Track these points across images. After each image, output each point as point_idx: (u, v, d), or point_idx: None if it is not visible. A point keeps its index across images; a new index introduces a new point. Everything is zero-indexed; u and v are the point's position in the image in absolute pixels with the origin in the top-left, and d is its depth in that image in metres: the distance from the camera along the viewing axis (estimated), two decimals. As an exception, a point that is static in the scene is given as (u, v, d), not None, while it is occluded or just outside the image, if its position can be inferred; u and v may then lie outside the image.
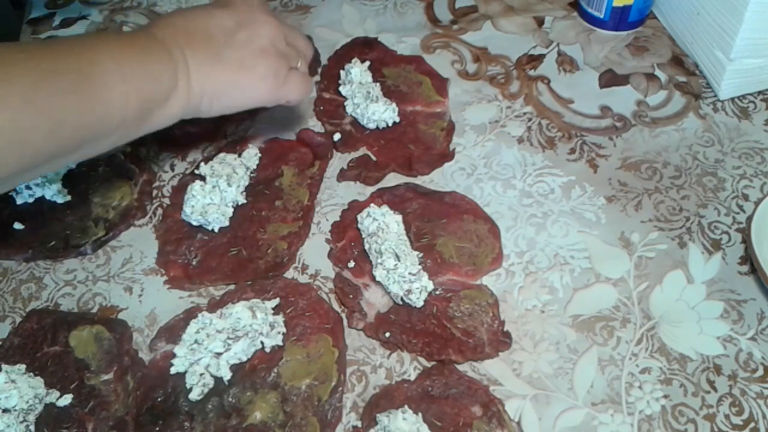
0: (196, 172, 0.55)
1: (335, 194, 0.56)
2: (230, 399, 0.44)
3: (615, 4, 0.65)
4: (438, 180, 0.56)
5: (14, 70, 0.34)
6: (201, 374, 0.44)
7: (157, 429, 0.43)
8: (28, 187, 0.55)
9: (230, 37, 0.45)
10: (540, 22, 0.70)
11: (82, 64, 0.37)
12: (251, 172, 0.56)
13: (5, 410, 0.42)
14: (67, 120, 0.36)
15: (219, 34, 0.45)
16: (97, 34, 0.41)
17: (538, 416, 0.43)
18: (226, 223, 0.53)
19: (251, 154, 0.57)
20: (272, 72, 0.47)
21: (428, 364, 0.46)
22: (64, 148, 0.38)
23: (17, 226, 0.54)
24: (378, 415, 0.41)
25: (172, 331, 0.47)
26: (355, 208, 0.54)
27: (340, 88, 0.62)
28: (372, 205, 0.51)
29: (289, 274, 0.51)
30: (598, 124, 0.60)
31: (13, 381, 0.43)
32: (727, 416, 0.42)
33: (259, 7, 0.48)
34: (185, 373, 0.44)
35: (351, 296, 0.48)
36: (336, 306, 0.49)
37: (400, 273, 0.46)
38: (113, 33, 0.43)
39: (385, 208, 0.51)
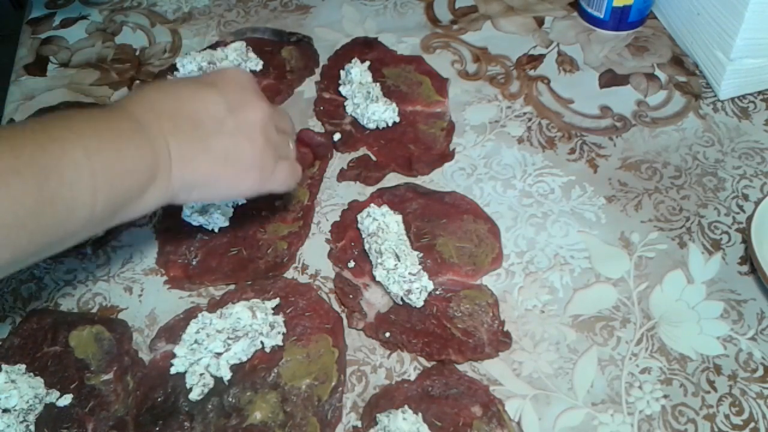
0: (196, 172, 0.55)
1: (335, 194, 0.56)
2: (230, 399, 0.44)
3: (615, 4, 0.65)
4: (438, 180, 0.56)
5: None
6: (201, 374, 0.44)
7: (157, 429, 0.43)
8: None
9: (219, 123, 0.41)
10: (540, 22, 0.70)
11: (47, 160, 0.33)
12: (251, 172, 0.56)
13: (5, 410, 0.42)
14: (28, 223, 0.32)
15: (207, 120, 0.41)
16: (70, 114, 0.37)
17: (538, 416, 0.43)
18: (226, 223, 0.53)
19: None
20: (258, 165, 0.43)
21: (428, 364, 0.46)
22: (18, 256, 0.34)
23: None
24: (378, 415, 0.41)
25: (172, 331, 0.47)
26: (355, 208, 0.54)
27: (340, 88, 0.62)
28: (372, 205, 0.51)
29: (289, 274, 0.51)
30: (598, 124, 0.60)
31: (13, 381, 0.43)
32: (727, 416, 0.42)
33: (249, 88, 0.44)
34: (185, 373, 0.44)
35: (351, 296, 0.48)
36: (336, 306, 0.49)
37: (400, 273, 0.46)
38: (88, 112, 0.39)
39: (385, 208, 0.51)
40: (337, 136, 0.60)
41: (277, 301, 0.47)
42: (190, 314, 0.48)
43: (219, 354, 0.44)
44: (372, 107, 0.58)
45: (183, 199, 0.42)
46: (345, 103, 0.61)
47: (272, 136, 0.44)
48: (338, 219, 0.54)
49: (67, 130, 0.35)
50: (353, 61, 0.62)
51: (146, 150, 0.38)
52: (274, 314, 0.46)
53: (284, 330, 0.46)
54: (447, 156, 0.58)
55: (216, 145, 0.41)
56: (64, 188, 0.34)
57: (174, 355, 0.45)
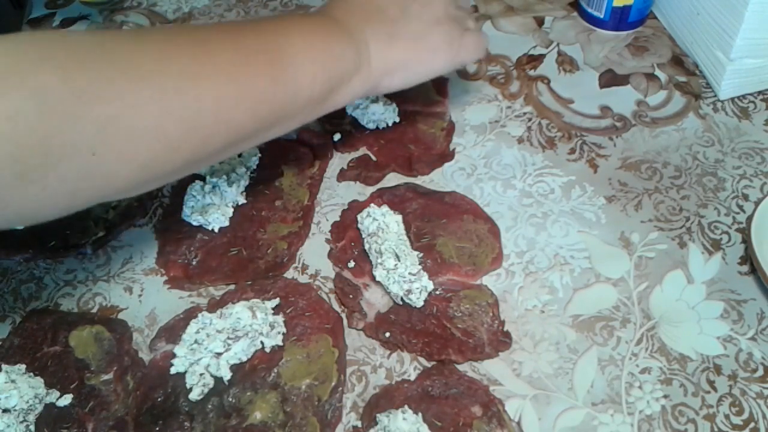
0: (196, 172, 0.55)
1: (335, 194, 0.56)
2: (230, 399, 0.44)
3: (615, 4, 0.65)
4: (438, 180, 0.56)
5: (218, 48, 0.35)
6: (201, 374, 0.44)
7: (157, 429, 0.43)
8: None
9: (404, 10, 0.46)
10: (540, 22, 0.70)
11: (277, 45, 0.39)
12: (251, 172, 0.56)
13: (5, 410, 0.42)
14: (265, 98, 0.38)
15: (393, 8, 0.45)
16: (283, 16, 0.44)
17: (538, 416, 0.43)
18: (226, 223, 0.53)
19: (251, 154, 0.57)
20: (447, 40, 0.47)
21: (428, 364, 0.46)
22: (262, 127, 0.39)
23: (17, 226, 0.54)
24: (378, 415, 0.41)
25: (172, 331, 0.47)
26: (355, 208, 0.54)
27: (340, 88, 0.62)
28: (372, 205, 0.51)
29: (289, 274, 0.51)
30: (598, 124, 0.60)
31: (13, 381, 0.43)
32: (727, 416, 0.42)
33: None
34: (185, 373, 0.44)
35: (351, 296, 0.48)
36: (336, 306, 0.49)
37: (400, 273, 0.46)
38: (297, 16, 0.47)
39: (385, 208, 0.51)
40: (337, 136, 0.60)
41: (277, 301, 0.47)
42: (190, 314, 0.48)
43: (219, 354, 0.44)
44: (372, 107, 0.58)
45: (385, 85, 0.46)
46: (345, 103, 0.61)
47: (453, 13, 0.49)
48: (338, 219, 0.54)
49: (285, 27, 0.40)
50: (353, 61, 0.62)
51: (349, 41, 0.42)
52: (274, 314, 0.46)
53: (284, 330, 0.46)
54: (447, 156, 0.58)
55: (406, 30, 0.45)
56: (294, 69, 0.39)
57: (174, 355, 0.45)
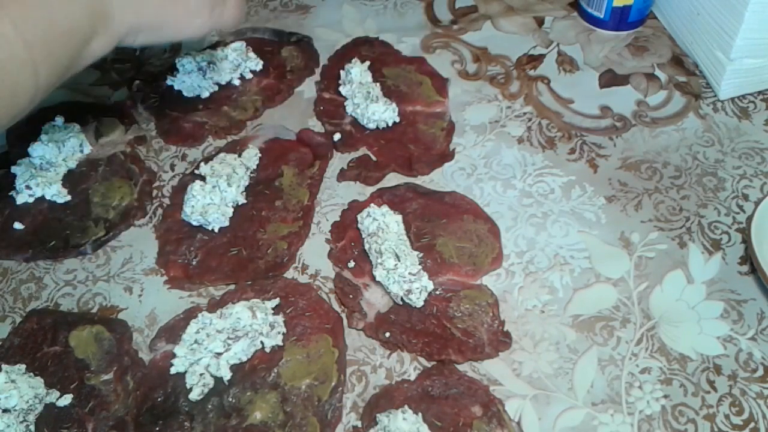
0: (196, 172, 0.55)
1: (335, 194, 0.56)
2: (230, 399, 0.44)
3: (615, 4, 0.65)
4: (438, 180, 0.56)
5: None
6: (201, 374, 0.44)
7: (157, 429, 0.43)
8: (28, 187, 0.55)
9: None
10: (540, 22, 0.70)
11: None
12: (251, 172, 0.56)
13: (5, 410, 0.42)
14: None
15: None
16: None
17: (538, 416, 0.43)
18: (226, 223, 0.53)
19: (251, 154, 0.57)
20: (208, 4, 0.42)
21: (428, 364, 0.46)
22: None
23: (17, 226, 0.54)
24: (378, 415, 0.41)
25: (172, 331, 0.47)
26: (355, 208, 0.54)
27: (340, 88, 0.62)
28: (372, 205, 0.51)
29: (289, 274, 0.51)
30: (598, 124, 0.60)
31: (13, 381, 0.43)
32: (727, 416, 0.42)
33: None
34: (185, 373, 0.44)
35: (351, 296, 0.48)
36: (336, 306, 0.49)
37: (400, 273, 0.46)
38: None
39: (385, 208, 0.51)
40: (337, 136, 0.60)
41: (277, 301, 0.47)
42: (190, 314, 0.48)
43: (219, 354, 0.44)
44: (372, 107, 0.58)
45: (128, 43, 0.40)
46: (345, 103, 0.61)
47: None
48: (338, 219, 0.54)
49: None
50: (353, 61, 0.62)
51: (80, 3, 0.36)
52: (274, 314, 0.46)
53: (284, 330, 0.46)
54: (447, 156, 0.58)
55: None
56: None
57: (174, 355, 0.45)
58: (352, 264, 0.50)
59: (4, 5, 0.33)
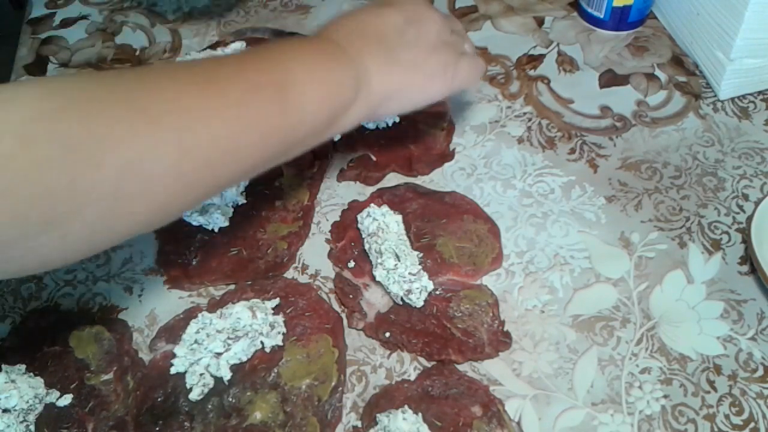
0: (196, 172, 0.55)
1: (335, 194, 0.56)
2: (230, 399, 0.44)
3: (615, 4, 0.65)
4: (438, 180, 0.56)
5: (226, 84, 0.35)
6: (201, 374, 0.44)
7: (157, 429, 0.43)
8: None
9: (401, 36, 0.45)
10: (540, 22, 0.70)
11: (280, 75, 0.38)
12: (251, 172, 0.56)
13: (5, 410, 0.42)
14: (273, 130, 0.37)
15: (391, 33, 0.44)
16: (283, 43, 0.43)
17: (538, 416, 0.43)
18: (226, 223, 0.53)
19: (251, 154, 0.57)
20: (443, 67, 0.46)
21: (428, 364, 0.46)
22: (270, 157, 0.38)
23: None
24: (378, 415, 0.41)
25: (172, 331, 0.47)
26: (355, 208, 0.54)
27: (340, 88, 0.62)
28: (372, 205, 0.51)
29: (289, 274, 0.51)
30: (598, 124, 0.60)
31: (13, 381, 0.43)
32: (727, 416, 0.42)
33: (420, 2, 0.48)
34: (185, 373, 0.44)
35: (351, 296, 0.48)
36: (336, 306, 0.49)
37: (400, 273, 0.46)
38: (297, 39, 0.47)
39: (385, 208, 0.51)
40: (337, 136, 0.60)
41: (277, 301, 0.47)
42: (190, 314, 0.48)
43: (219, 354, 0.44)
44: (372, 107, 0.58)
45: (383, 112, 0.45)
46: (345, 103, 0.61)
47: (448, 38, 0.48)
48: (338, 219, 0.54)
49: (282, 54, 0.39)
50: (353, 61, 0.62)
51: (350, 66, 0.41)
52: (274, 314, 0.46)
53: (284, 330, 0.46)
54: (447, 156, 0.58)
55: (403, 56, 0.44)
56: (298, 98, 0.38)
57: (174, 355, 0.45)
58: (352, 264, 0.50)
59: (298, 58, 0.40)
